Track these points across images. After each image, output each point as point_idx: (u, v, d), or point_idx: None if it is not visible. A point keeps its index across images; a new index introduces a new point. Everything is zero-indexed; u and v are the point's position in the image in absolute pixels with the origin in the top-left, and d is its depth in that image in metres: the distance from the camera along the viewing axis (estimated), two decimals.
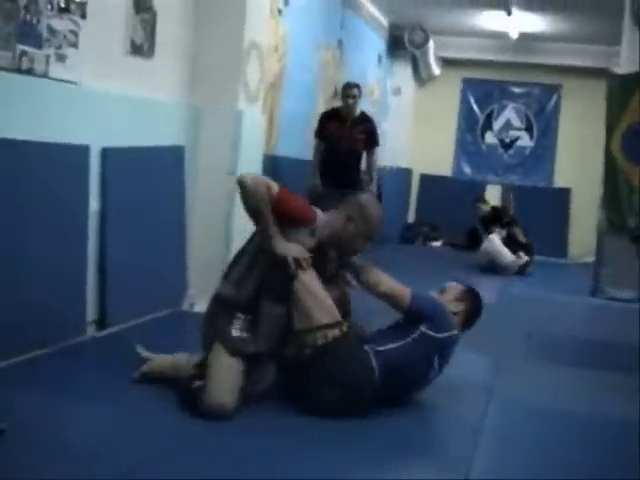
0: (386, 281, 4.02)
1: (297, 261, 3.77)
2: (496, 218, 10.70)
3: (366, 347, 3.82)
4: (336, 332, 3.77)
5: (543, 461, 3.57)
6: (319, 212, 4.06)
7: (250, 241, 4.06)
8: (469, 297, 4.23)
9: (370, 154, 7.88)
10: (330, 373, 3.74)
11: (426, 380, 4.02)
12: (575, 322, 7.62)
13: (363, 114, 7.83)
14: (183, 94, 6.07)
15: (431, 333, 3.92)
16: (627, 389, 4.77)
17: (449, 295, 4.20)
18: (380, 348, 3.84)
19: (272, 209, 3.82)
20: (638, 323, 6.18)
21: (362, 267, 4.06)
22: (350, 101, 7.59)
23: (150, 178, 5.51)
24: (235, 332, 3.83)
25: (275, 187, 3.87)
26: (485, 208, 10.97)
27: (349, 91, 7.63)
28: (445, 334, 3.98)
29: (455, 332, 4.05)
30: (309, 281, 3.79)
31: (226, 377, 3.69)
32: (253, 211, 3.86)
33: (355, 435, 3.58)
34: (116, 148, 5.10)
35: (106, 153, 5.02)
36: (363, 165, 8.13)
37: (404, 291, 4.00)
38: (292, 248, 3.81)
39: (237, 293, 3.92)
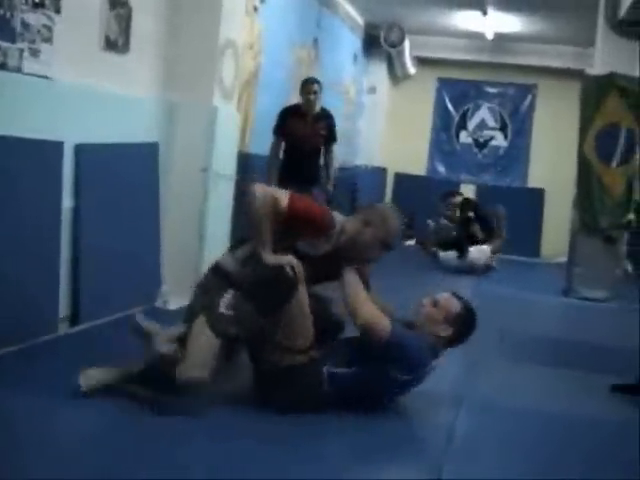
0: (366, 310, 3.83)
1: (293, 270, 3.74)
2: (468, 206, 10.89)
3: (324, 369, 3.77)
4: (305, 359, 3.77)
5: (515, 461, 3.59)
6: (337, 216, 4.08)
7: None
8: (461, 320, 4.03)
9: (329, 151, 7.78)
10: (281, 390, 3.76)
11: (388, 401, 4.00)
12: (547, 321, 7.67)
13: (323, 110, 7.75)
14: (158, 90, 6.05)
15: (397, 375, 3.83)
16: (599, 389, 4.81)
17: (440, 313, 4.01)
18: (338, 371, 3.79)
19: (286, 219, 3.86)
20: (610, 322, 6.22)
21: (349, 285, 3.92)
22: (311, 97, 7.50)
23: (124, 174, 5.49)
24: (222, 308, 3.78)
25: (284, 200, 3.88)
26: (459, 199, 11.10)
27: (309, 87, 7.54)
28: (412, 375, 3.88)
29: (427, 368, 3.92)
30: (303, 300, 3.77)
31: (206, 351, 3.69)
32: (254, 225, 3.89)
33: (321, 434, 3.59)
34: (90, 144, 5.07)
35: (80, 149, 4.99)
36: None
37: (383, 325, 3.79)
38: (283, 259, 3.80)
39: (238, 271, 3.92)
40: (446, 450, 3.59)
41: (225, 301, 3.80)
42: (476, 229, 10.64)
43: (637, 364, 4.88)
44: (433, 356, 3.97)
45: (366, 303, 3.88)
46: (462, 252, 10.31)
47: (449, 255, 10.38)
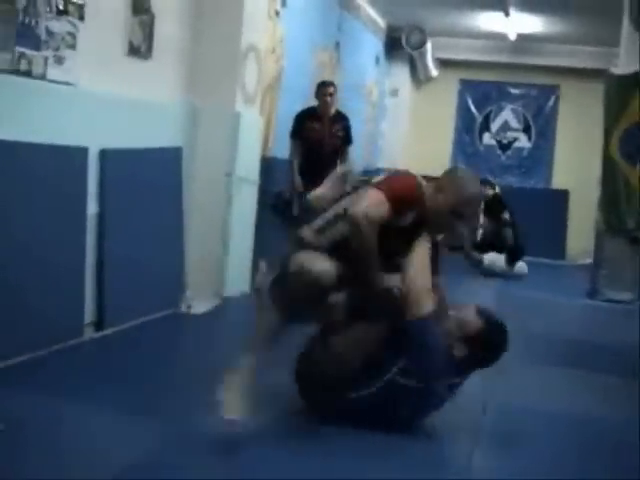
0: (417, 284, 3.59)
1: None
2: (498, 204, 10.64)
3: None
4: None
5: (539, 463, 3.58)
6: (424, 185, 3.80)
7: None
8: (480, 341, 3.69)
9: (345, 152, 7.79)
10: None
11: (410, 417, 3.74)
12: (572, 324, 7.62)
13: (339, 112, 7.76)
14: (181, 95, 6.07)
15: (401, 381, 3.58)
16: (626, 392, 4.77)
17: (457, 330, 3.71)
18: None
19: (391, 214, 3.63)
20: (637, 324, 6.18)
21: (414, 255, 3.66)
22: (327, 99, 7.52)
23: (148, 179, 5.51)
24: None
25: (384, 206, 3.60)
26: (490, 192, 10.86)
27: (325, 89, 7.56)
28: (420, 385, 3.57)
29: (441, 381, 3.62)
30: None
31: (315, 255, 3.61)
32: (361, 259, 3.64)
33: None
34: (114, 150, 5.09)
35: (104, 155, 5.01)
36: None
37: (423, 307, 3.56)
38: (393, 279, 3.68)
39: (316, 240, 3.77)
40: (471, 451, 3.59)
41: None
42: (509, 234, 10.42)
43: None
44: (451, 372, 3.67)
45: (420, 277, 3.62)
46: (516, 257, 10.17)
47: (497, 260, 10.20)
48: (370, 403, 3.61)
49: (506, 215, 10.49)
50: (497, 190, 10.84)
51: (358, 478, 3.20)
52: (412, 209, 3.70)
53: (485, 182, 11.02)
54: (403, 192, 3.70)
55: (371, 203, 3.61)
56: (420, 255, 3.69)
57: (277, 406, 3.87)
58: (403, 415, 3.65)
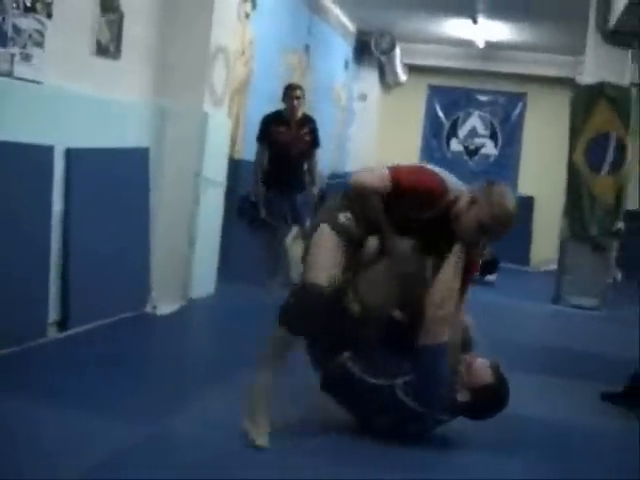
0: (441, 305, 3.60)
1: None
2: None
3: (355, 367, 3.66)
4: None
5: (504, 465, 3.60)
6: (454, 183, 3.79)
7: None
8: (483, 395, 3.67)
9: (313, 155, 7.77)
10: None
11: (370, 421, 3.75)
12: (537, 329, 7.69)
13: (306, 115, 7.74)
14: (149, 96, 6.05)
15: (401, 395, 3.58)
16: (588, 396, 4.82)
17: (467, 376, 3.68)
18: (349, 364, 3.67)
19: (394, 193, 3.65)
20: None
21: (446, 267, 3.66)
22: (295, 103, 7.51)
23: (115, 179, 5.48)
24: (342, 218, 3.69)
25: (386, 179, 3.65)
26: None
27: (292, 92, 7.52)
28: (416, 406, 3.57)
29: (435, 413, 3.61)
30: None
31: (325, 258, 3.62)
32: (370, 214, 3.71)
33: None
34: (81, 149, 5.06)
35: (70, 154, 4.98)
36: None
37: (440, 332, 3.57)
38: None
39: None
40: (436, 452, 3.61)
41: (343, 215, 3.69)
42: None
43: (625, 372, 4.90)
44: (446, 408, 3.66)
45: (447, 303, 3.61)
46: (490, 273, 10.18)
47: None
48: (367, 395, 3.64)
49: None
50: None
51: None
52: (427, 204, 3.67)
53: None
54: (414, 181, 3.69)
55: (373, 175, 3.71)
56: (450, 275, 3.67)
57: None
58: (391, 425, 3.66)
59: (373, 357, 3.69)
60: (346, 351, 3.69)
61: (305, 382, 3.97)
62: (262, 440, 3.41)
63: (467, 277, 3.81)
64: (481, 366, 3.71)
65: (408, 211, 3.71)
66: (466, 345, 3.86)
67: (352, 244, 3.69)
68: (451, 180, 3.81)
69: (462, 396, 3.65)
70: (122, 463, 3.10)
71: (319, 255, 3.66)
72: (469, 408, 3.68)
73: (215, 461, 3.27)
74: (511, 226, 3.69)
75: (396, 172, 3.72)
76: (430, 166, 3.94)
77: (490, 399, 3.69)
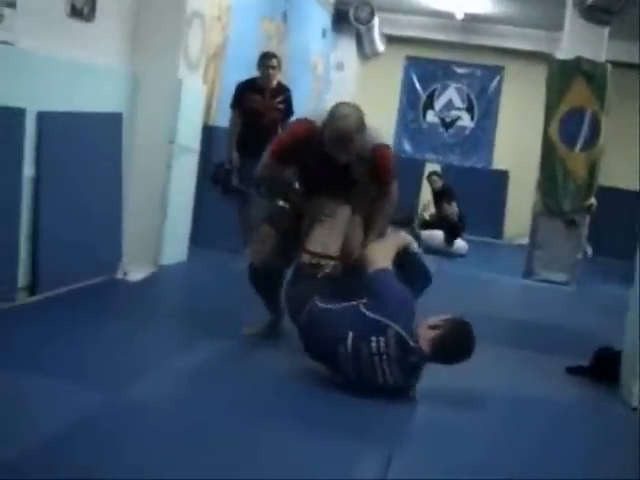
0: (377, 253, 4.14)
1: None
2: (447, 193, 10.85)
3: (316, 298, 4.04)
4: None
5: (469, 439, 3.64)
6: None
7: None
8: (441, 341, 3.88)
9: (286, 124, 7.74)
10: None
11: (335, 354, 3.90)
12: (507, 303, 7.74)
13: (281, 84, 7.70)
14: (123, 60, 5.99)
15: (363, 309, 3.89)
16: (554, 369, 4.87)
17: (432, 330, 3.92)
18: (318, 303, 4.01)
19: (286, 160, 4.34)
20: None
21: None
22: (270, 72, 7.46)
23: (87, 144, 5.44)
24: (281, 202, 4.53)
25: (270, 166, 4.35)
26: (439, 182, 11.03)
27: (268, 61, 7.46)
28: (376, 316, 3.84)
29: (391, 325, 3.80)
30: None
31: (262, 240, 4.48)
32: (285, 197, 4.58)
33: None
34: (53, 112, 5.01)
35: (42, 117, 4.93)
36: None
37: (381, 265, 4.04)
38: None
39: None
40: (400, 432, 3.65)
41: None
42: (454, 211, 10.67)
43: (591, 346, 4.96)
44: (409, 329, 3.86)
45: (382, 251, 4.16)
46: (455, 237, 10.31)
47: (435, 236, 10.32)
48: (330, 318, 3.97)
49: (454, 207, 10.65)
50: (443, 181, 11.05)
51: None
52: (308, 150, 4.19)
53: (434, 173, 11.17)
54: (287, 142, 4.32)
55: (262, 167, 4.41)
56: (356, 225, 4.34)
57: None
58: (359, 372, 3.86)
59: (334, 292, 4.09)
60: (316, 296, 4.07)
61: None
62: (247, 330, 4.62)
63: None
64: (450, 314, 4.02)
65: (306, 163, 4.29)
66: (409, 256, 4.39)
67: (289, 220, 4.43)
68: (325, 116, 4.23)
69: (432, 321, 3.90)
70: (86, 429, 3.10)
71: (257, 240, 4.54)
72: (440, 337, 3.85)
73: (178, 427, 3.29)
74: (343, 140, 4.08)
75: (273, 144, 4.39)
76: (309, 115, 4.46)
77: (461, 329, 3.96)
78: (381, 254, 4.13)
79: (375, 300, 3.91)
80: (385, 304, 3.89)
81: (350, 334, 3.84)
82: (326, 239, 4.22)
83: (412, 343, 3.80)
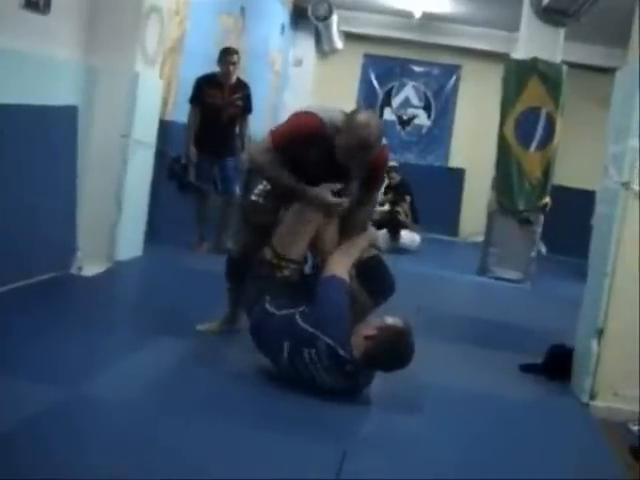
0: (336, 259, 4.07)
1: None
2: (403, 188, 10.91)
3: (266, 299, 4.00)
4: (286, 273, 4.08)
5: (422, 438, 3.65)
6: (330, 117, 4.11)
7: None
8: (391, 331, 3.81)
9: (244, 120, 7.73)
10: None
11: (278, 361, 3.91)
12: (461, 300, 7.79)
13: (240, 80, 7.68)
14: (79, 53, 5.93)
15: (297, 320, 3.83)
16: (508, 367, 4.91)
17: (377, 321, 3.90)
18: (267, 306, 3.97)
19: (284, 149, 4.16)
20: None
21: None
22: (230, 68, 7.44)
23: (41, 137, 5.37)
24: (254, 196, 4.39)
25: (269, 153, 4.17)
26: (396, 177, 11.08)
27: (229, 57, 7.45)
28: (307, 327, 3.79)
29: (320, 337, 3.73)
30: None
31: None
32: (273, 181, 4.34)
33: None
34: (6, 105, 4.94)
35: None
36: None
37: (338, 269, 3.98)
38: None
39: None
40: (358, 420, 3.66)
41: (259, 188, 4.37)
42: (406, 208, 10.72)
43: (545, 343, 5.00)
44: (342, 340, 3.76)
45: (342, 258, 4.09)
46: (396, 233, 10.36)
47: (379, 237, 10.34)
48: (270, 325, 3.94)
49: (406, 204, 10.74)
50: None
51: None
52: (311, 145, 4.06)
53: (391, 168, 11.21)
54: (293, 133, 4.12)
55: (259, 149, 4.26)
56: (332, 228, 4.23)
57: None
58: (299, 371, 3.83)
59: (285, 296, 4.01)
60: (267, 296, 4.02)
61: None
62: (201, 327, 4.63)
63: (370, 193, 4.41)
64: (393, 318, 3.87)
65: (304, 158, 4.13)
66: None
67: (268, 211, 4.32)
68: (331, 114, 4.12)
69: (368, 329, 3.79)
70: (37, 426, 3.06)
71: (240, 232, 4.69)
72: (372, 348, 3.74)
73: (134, 422, 3.27)
74: (363, 150, 3.95)
75: (274, 132, 4.22)
76: (310, 107, 4.30)
77: (395, 339, 3.79)
78: (340, 261, 4.05)
79: (313, 306, 3.86)
80: (319, 312, 3.82)
81: (285, 344, 3.83)
82: (292, 239, 4.11)
83: (344, 353, 3.72)
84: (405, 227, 10.55)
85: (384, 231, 10.30)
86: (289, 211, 4.21)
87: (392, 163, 11.15)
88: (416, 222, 10.79)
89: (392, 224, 10.42)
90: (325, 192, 4.11)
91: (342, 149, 3.98)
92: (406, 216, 10.69)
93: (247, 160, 4.34)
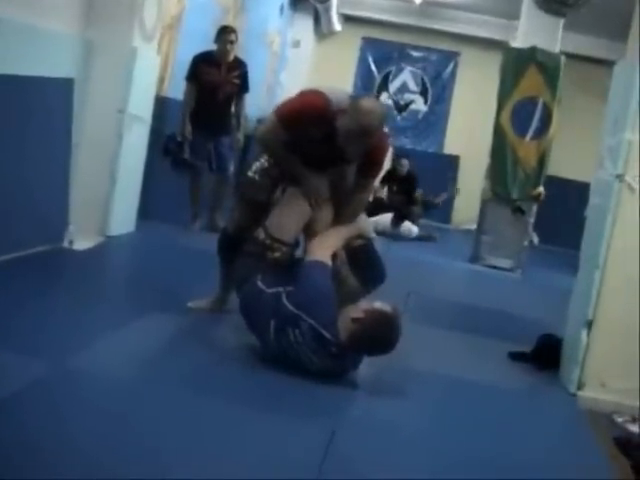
0: (318, 244, 4.09)
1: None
2: (411, 179, 10.92)
3: (258, 278, 3.99)
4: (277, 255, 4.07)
5: (409, 421, 3.66)
6: (337, 98, 4.10)
7: None
8: (378, 314, 3.80)
9: (241, 99, 7.70)
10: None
11: (266, 339, 3.92)
12: (452, 287, 7.80)
13: (237, 58, 7.65)
14: (77, 26, 5.89)
15: (283, 299, 3.83)
16: (497, 354, 4.92)
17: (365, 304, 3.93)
18: (258, 283, 3.97)
19: (290, 127, 4.13)
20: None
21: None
22: (228, 47, 7.41)
23: (36, 108, 5.34)
24: (251, 172, 4.37)
25: (275, 131, 4.16)
26: (405, 168, 11.07)
27: (227, 36, 7.41)
28: (292, 308, 3.79)
29: (303, 318, 3.75)
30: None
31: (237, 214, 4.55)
32: (277, 159, 4.37)
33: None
34: (2, 75, 4.91)
35: None
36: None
37: (320, 254, 4.00)
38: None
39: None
40: (347, 404, 3.66)
41: (256, 165, 4.36)
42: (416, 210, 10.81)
43: (534, 333, 5.02)
44: (328, 322, 3.78)
45: (326, 240, 4.13)
46: (400, 220, 10.37)
47: (383, 219, 10.35)
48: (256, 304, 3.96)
49: (417, 194, 10.80)
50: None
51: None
52: (316, 125, 4.05)
53: (401, 156, 11.18)
54: (301, 112, 4.09)
55: (266, 129, 4.26)
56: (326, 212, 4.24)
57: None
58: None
59: (276, 275, 4.01)
60: (259, 274, 4.03)
61: None
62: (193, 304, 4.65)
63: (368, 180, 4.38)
64: (382, 303, 3.86)
65: (307, 137, 4.11)
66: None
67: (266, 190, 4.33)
68: (338, 95, 4.12)
69: (356, 312, 3.78)
70: (26, 399, 3.06)
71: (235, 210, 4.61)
72: (358, 330, 3.74)
73: (118, 397, 3.26)
74: (362, 136, 3.95)
75: (279, 109, 4.20)
76: (317, 87, 4.27)
77: (382, 322, 3.79)
78: (324, 245, 4.08)
79: (297, 288, 3.86)
80: (303, 294, 3.82)
81: (272, 322, 3.84)
82: (286, 221, 4.13)
83: (328, 335, 3.72)
84: (412, 220, 10.57)
85: (390, 215, 10.31)
86: (285, 193, 4.23)
87: (403, 160, 11.15)
88: (421, 215, 10.88)
89: (402, 213, 10.44)
90: (323, 187, 4.19)
91: (343, 132, 3.97)
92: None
93: (256, 137, 4.38)
